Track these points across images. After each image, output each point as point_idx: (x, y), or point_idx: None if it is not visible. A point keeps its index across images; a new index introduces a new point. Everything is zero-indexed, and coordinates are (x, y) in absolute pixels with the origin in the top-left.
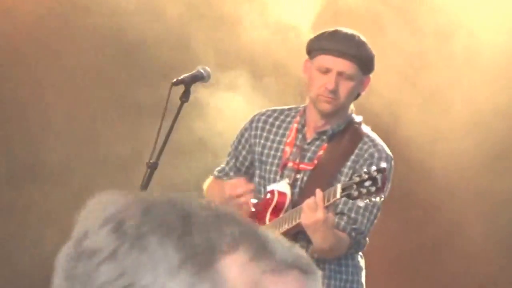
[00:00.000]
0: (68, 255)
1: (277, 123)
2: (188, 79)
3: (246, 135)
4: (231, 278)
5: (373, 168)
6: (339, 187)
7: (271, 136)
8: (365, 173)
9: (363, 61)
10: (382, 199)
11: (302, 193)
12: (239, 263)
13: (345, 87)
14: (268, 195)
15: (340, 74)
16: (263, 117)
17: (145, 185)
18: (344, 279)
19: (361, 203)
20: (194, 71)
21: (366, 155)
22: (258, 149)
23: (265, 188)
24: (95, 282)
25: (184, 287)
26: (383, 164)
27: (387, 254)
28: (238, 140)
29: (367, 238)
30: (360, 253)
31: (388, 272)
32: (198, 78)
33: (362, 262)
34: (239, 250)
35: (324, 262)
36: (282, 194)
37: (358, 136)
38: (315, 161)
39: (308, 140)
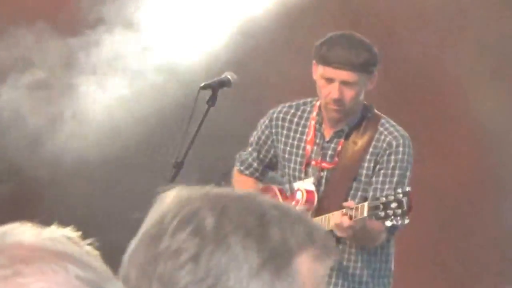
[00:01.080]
0: (144, 253)
1: (295, 119)
2: (215, 84)
3: (267, 132)
4: (303, 276)
5: (399, 190)
6: (366, 206)
7: (291, 134)
8: (391, 194)
9: (365, 66)
10: (407, 221)
11: (327, 191)
12: (308, 261)
13: (350, 94)
14: (297, 194)
15: (343, 83)
16: (281, 115)
17: (172, 179)
18: (378, 268)
19: (388, 223)
20: (221, 77)
21: (384, 145)
22: (280, 146)
23: (290, 183)
24: (179, 282)
25: (265, 286)
26: (408, 188)
27: (416, 241)
28: (258, 136)
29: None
30: (391, 240)
31: (417, 260)
32: (226, 83)
33: (392, 248)
34: (308, 249)
35: (357, 253)
36: (310, 193)
37: (373, 127)
38: (336, 159)
39: (327, 138)
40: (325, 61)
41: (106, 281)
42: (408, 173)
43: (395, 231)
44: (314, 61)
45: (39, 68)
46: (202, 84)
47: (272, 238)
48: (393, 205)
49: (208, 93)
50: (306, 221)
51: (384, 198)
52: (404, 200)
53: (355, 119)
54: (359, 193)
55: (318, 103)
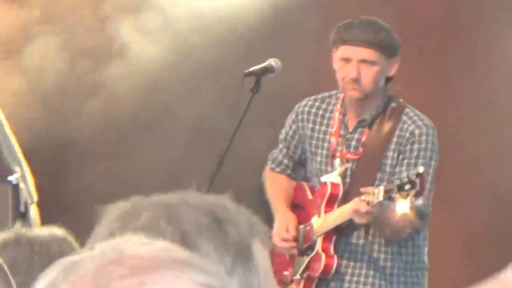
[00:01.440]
0: None
1: (320, 112)
2: (259, 71)
3: (294, 127)
4: (262, 265)
5: (413, 172)
6: (382, 189)
7: (317, 127)
8: (406, 177)
9: (383, 45)
10: (422, 201)
11: (352, 182)
12: (260, 250)
13: (368, 74)
14: (322, 187)
15: (361, 61)
16: (306, 108)
17: (216, 171)
18: (410, 260)
19: (401, 205)
20: (265, 63)
21: (407, 135)
22: (307, 140)
23: (318, 178)
24: None
25: (241, 282)
26: (421, 169)
27: (456, 232)
28: (286, 132)
29: (430, 208)
30: (422, 233)
31: (458, 251)
32: (269, 70)
33: (424, 241)
34: (256, 239)
35: (386, 245)
36: (335, 186)
37: (396, 116)
38: (360, 149)
39: (351, 129)
40: (343, 40)
41: (224, 286)
42: (432, 163)
43: (424, 219)
44: (333, 49)
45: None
46: (246, 71)
47: (230, 234)
48: (407, 186)
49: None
50: (245, 214)
51: (398, 181)
52: (417, 181)
53: (379, 108)
54: (383, 183)
55: (342, 95)
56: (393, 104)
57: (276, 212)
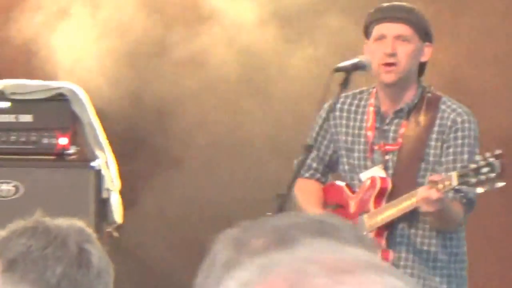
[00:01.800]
0: None
1: (353, 108)
2: (349, 67)
3: (325, 126)
4: None
5: (488, 154)
6: (455, 175)
7: (351, 123)
8: (481, 159)
9: (417, 25)
10: (503, 184)
11: (396, 174)
12: None
13: (404, 50)
14: (369, 182)
15: (396, 37)
16: (339, 105)
17: (301, 165)
18: (454, 253)
19: (480, 190)
20: (355, 60)
21: (449, 123)
22: (342, 137)
23: (356, 174)
24: None
25: None
26: (498, 150)
27: (490, 227)
28: (317, 132)
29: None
30: (463, 224)
31: (492, 247)
32: (359, 66)
33: (464, 233)
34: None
35: (432, 237)
36: (383, 180)
37: (434, 106)
38: (400, 140)
39: (387, 120)
40: (376, 20)
41: None
42: (476, 150)
43: (471, 209)
44: (365, 41)
45: None
46: (336, 67)
47: None
48: (485, 169)
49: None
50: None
51: (474, 165)
52: (497, 162)
53: (414, 99)
54: (428, 174)
55: (374, 90)
56: (428, 94)
57: None
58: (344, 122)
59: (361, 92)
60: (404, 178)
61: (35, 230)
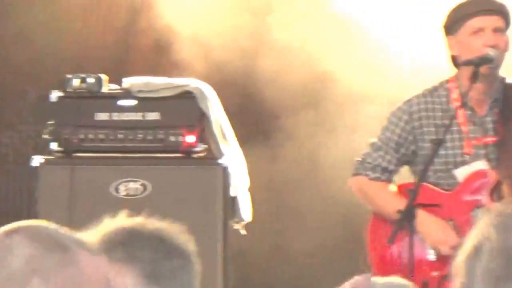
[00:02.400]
0: None
1: (436, 107)
2: (477, 61)
3: (408, 128)
4: None
5: None
6: None
7: (438, 122)
8: None
9: (508, 17)
10: None
11: (498, 166)
12: None
13: (502, 43)
14: (477, 177)
15: (494, 30)
16: (421, 106)
17: (430, 161)
18: None
19: None
20: (482, 54)
21: None
22: (427, 137)
23: (445, 173)
24: None
25: None
26: None
27: None
28: (398, 134)
29: None
30: None
31: None
32: (487, 60)
33: None
34: None
35: None
36: (491, 173)
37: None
38: (498, 131)
39: (483, 112)
40: (470, 14)
41: None
42: None
43: None
44: (448, 37)
45: None
46: (463, 60)
47: None
48: None
49: None
50: None
51: None
52: None
53: (499, 88)
54: None
55: (451, 84)
56: (507, 81)
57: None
58: (431, 121)
59: (435, 89)
60: (507, 169)
61: (140, 233)
